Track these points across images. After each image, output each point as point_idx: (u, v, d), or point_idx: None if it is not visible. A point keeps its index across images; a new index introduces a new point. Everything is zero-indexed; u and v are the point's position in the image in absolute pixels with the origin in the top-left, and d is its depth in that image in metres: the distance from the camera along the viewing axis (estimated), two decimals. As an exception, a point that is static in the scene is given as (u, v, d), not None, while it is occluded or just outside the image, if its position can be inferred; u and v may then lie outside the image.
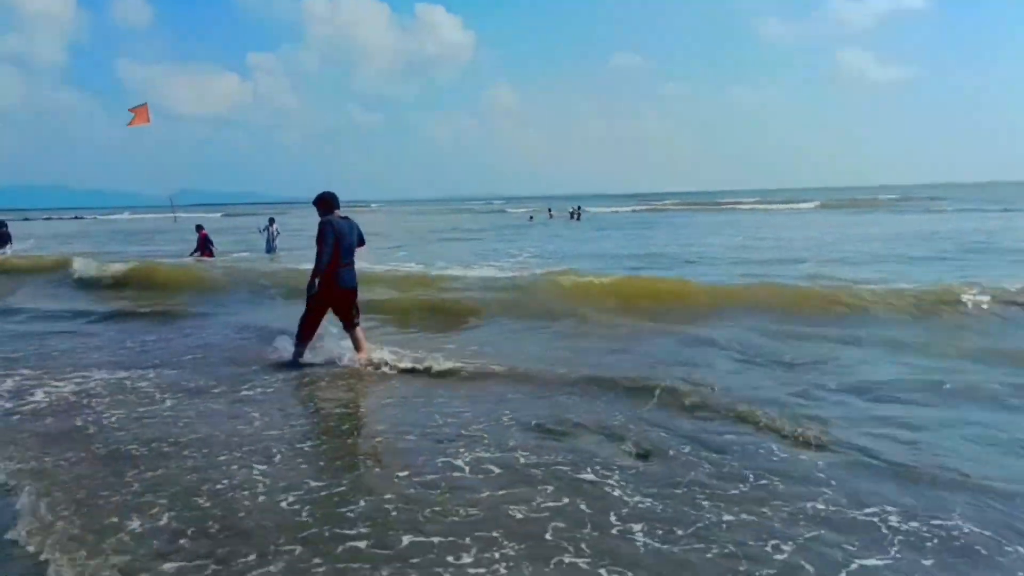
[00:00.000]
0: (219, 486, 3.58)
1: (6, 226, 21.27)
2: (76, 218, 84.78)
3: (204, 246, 18.28)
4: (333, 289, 6.27)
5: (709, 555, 2.83)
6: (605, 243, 22.59)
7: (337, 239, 6.21)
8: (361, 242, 6.56)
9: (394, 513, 3.24)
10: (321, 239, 6.18)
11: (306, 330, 6.45)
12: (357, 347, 6.43)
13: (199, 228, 19.07)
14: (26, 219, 66.57)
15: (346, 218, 6.45)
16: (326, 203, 6.43)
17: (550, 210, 44.15)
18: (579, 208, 41.81)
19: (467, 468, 3.79)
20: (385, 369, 6.14)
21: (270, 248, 20.92)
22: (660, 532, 3.02)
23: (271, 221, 21.68)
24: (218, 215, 71.97)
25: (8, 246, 20.62)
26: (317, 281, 6.18)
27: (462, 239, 26.93)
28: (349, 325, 6.47)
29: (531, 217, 41.92)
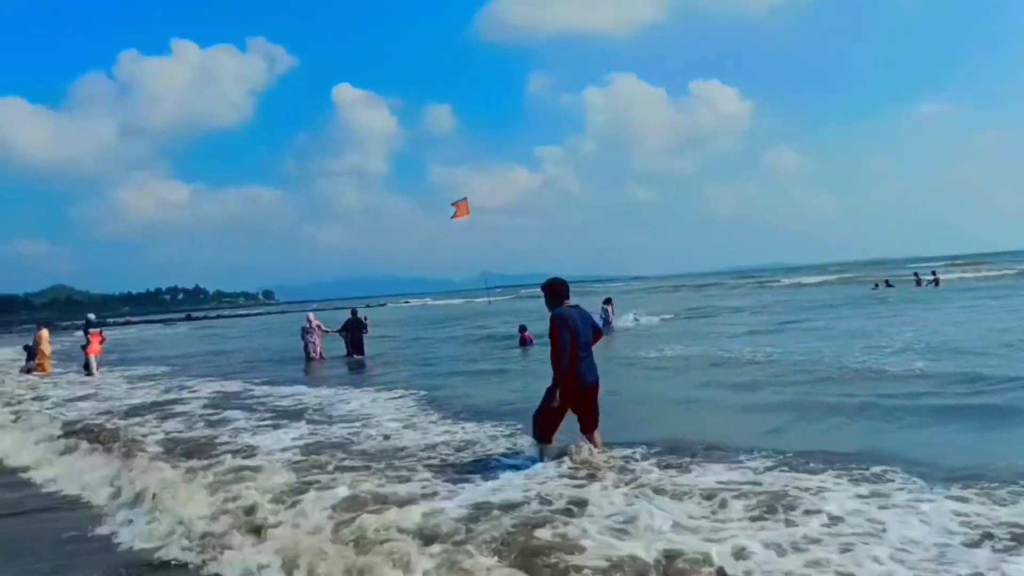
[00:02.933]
0: None
1: (363, 325, 18.37)
2: (405, 303, 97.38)
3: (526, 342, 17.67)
4: (575, 388, 5.66)
5: None
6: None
7: (573, 334, 5.63)
8: (597, 332, 6.03)
9: None
10: (556, 339, 5.61)
11: (544, 427, 5.87)
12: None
13: (523, 329, 18.25)
14: (382, 304, 76.65)
15: (577, 307, 5.93)
16: (556, 291, 5.92)
17: (887, 281, 37.34)
18: (934, 272, 34.72)
19: None
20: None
21: (607, 327, 19.71)
22: None
23: (607, 301, 20.83)
24: (509, 297, 75.87)
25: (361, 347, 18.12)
26: (558, 392, 5.64)
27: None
28: (587, 428, 5.91)
29: (876, 286, 35.80)
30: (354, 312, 18.90)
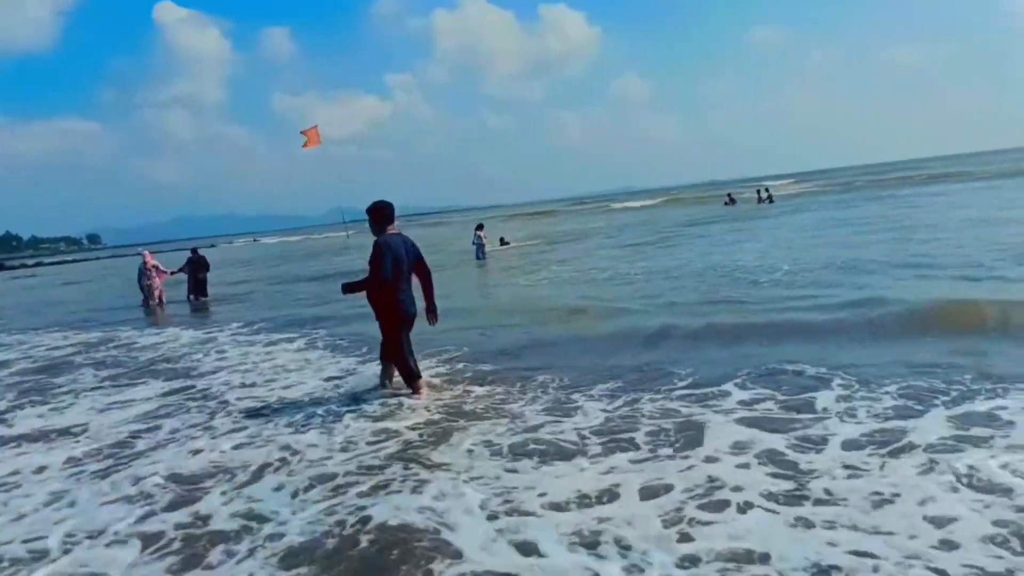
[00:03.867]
0: None
1: (203, 263, 16.89)
2: (255, 241, 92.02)
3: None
4: (400, 315, 5.67)
5: None
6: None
7: (396, 262, 5.50)
8: (420, 263, 5.78)
9: None
10: (378, 265, 5.43)
11: (403, 365, 5.73)
12: (389, 375, 5.97)
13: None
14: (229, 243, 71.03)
15: (400, 234, 5.69)
16: (381, 214, 5.65)
17: (731, 196, 40.04)
18: (767, 189, 37.43)
19: None
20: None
21: (480, 255, 20.12)
22: None
23: (479, 227, 20.94)
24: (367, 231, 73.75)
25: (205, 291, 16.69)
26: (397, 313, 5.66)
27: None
28: (389, 355, 5.92)
29: (726, 203, 38.24)
30: (194, 251, 16.98)
